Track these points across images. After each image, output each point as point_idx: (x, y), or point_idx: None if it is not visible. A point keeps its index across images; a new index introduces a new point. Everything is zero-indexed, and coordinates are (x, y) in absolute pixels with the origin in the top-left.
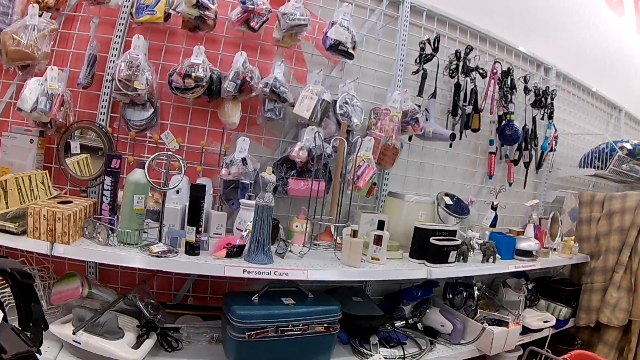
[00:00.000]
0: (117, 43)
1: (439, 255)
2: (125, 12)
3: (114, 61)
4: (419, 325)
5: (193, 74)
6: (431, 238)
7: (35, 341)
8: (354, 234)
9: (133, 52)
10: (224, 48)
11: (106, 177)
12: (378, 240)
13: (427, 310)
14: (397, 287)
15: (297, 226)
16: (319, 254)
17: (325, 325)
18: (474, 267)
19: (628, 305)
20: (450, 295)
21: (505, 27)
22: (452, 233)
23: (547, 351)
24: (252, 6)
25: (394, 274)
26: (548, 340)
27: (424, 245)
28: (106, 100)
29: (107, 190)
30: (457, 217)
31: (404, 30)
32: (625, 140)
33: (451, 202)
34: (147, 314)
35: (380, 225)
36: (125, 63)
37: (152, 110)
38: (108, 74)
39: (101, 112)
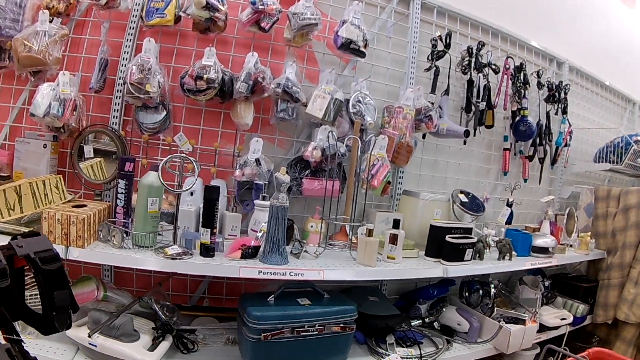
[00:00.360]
0: (128, 47)
1: (455, 254)
2: (136, 16)
3: (125, 65)
4: (436, 324)
5: (205, 76)
6: (447, 236)
7: (62, 327)
8: (369, 233)
9: (144, 55)
10: (235, 49)
11: (120, 181)
12: (394, 239)
13: (444, 309)
14: (413, 286)
15: (312, 226)
16: (334, 253)
17: (342, 325)
18: (490, 264)
19: None
20: (467, 294)
21: (516, 22)
22: (468, 231)
23: (565, 349)
24: (263, 7)
25: (410, 273)
26: (565, 338)
27: (439, 244)
28: (118, 104)
29: (121, 193)
30: (473, 214)
31: (415, 27)
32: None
33: (466, 200)
34: (163, 316)
35: (396, 224)
36: (136, 66)
37: (165, 112)
38: (120, 77)
39: (114, 116)
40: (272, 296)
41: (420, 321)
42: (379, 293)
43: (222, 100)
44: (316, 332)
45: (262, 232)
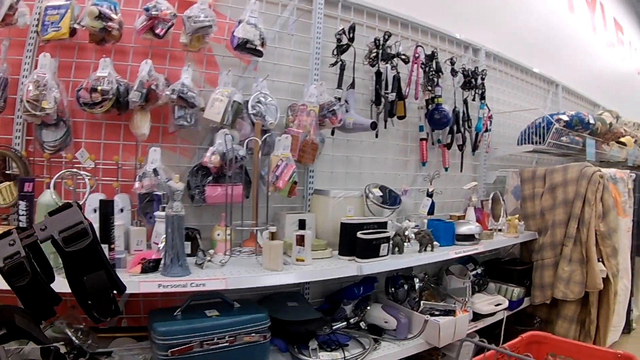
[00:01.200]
0: (27, 64)
1: (368, 250)
2: (34, 32)
3: (24, 82)
4: (362, 324)
5: (99, 88)
6: (358, 233)
7: (105, 314)
8: (272, 236)
9: (40, 71)
10: (134, 58)
11: (20, 202)
12: (301, 240)
13: (368, 308)
14: (339, 287)
15: (218, 234)
16: (241, 260)
17: (254, 334)
18: (410, 258)
19: (582, 278)
20: (393, 290)
21: (432, 13)
22: (383, 225)
23: (481, 341)
24: (156, 12)
25: (320, 274)
26: (504, 323)
27: (352, 241)
28: (20, 123)
29: (23, 215)
30: (388, 208)
31: (319, 23)
32: (562, 113)
33: (381, 194)
34: (76, 340)
35: (301, 224)
36: (32, 83)
37: (65, 129)
38: (20, 96)
39: (16, 136)
40: (178, 310)
41: (345, 322)
42: (300, 298)
43: (119, 111)
44: (227, 344)
45: (163, 244)
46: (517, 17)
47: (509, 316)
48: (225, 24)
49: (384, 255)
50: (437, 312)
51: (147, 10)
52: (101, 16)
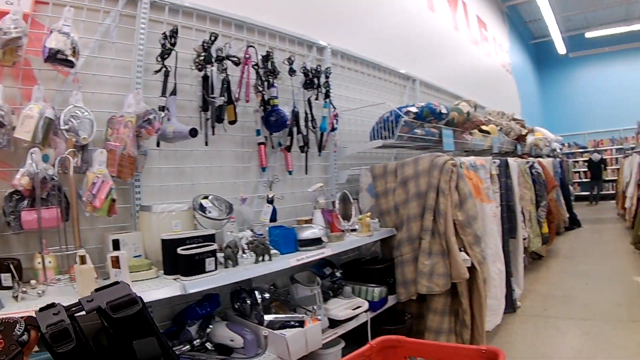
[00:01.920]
0: None
1: (192, 266)
2: None
3: None
4: (208, 345)
5: None
6: (179, 249)
7: None
8: (82, 260)
9: None
10: None
11: None
12: (116, 262)
13: (210, 327)
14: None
15: (38, 263)
16: (62, 289)
17: None
18: (243, 270)
19: (446, 269)
20: (238, 305)
21: (274, 13)
22: (210, 238)
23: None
24: None
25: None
26: (369, 325)
27: (175, 258)
28: None
29: None
30: (216, 219)
31: (142, 29)
32: (411, 105)
33: (210, 204)
34: None
35: (115, 245)
36: None
37: None
38: None
39: None
40: None
41: (188, 346)
42: None
43: None
44: None
45: None
46: (373, 16)
47: (380, 315)
48: (44, 35)
49: (212, 270)
50: (279, 325)
51: None
52: None
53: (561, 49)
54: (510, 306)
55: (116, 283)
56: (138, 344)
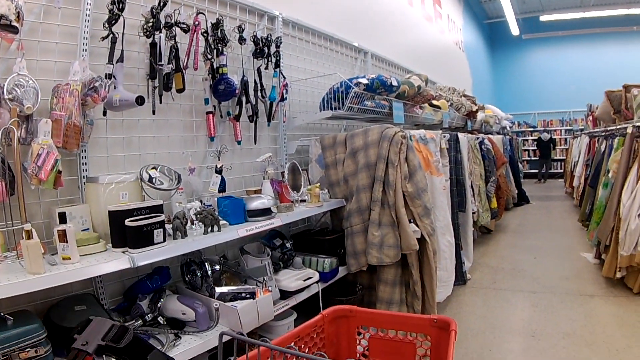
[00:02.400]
0: None
1: (140, 238)
2: None
3: None
4: (160, 319)
5: None
6: (126, 220)
7: None
8: (28, 235)
9: None
10: None
11: None
12: (62, 236)
13: (162, 301)
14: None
15: None
16: (11, 266)
17: (29, 349)
18: (192, 242)
19: (396, 240)
20: (188, 277)
21: None
22: (158, 209)
23: (240, 334)
24: None
25: (87, 272)
26: (320, 296)
27: (123, 230)
28: None
29: None
30: (164, 190)
31: None
32: (362, 76)
33: (157, 174)
34: None
35: (62, 218)
36: None
37: None
38: None
39: None
40: None
41: (140, 320)
42: (89, 300)
43: None
44: None
45: None
46: None
47: (331, 286)
48: None
49: (160, 242)
50: (230, 297)
51: None
52: None
53: (515, 30)
54: (460, 278)
55: (89, 321)
56: (153, 356)
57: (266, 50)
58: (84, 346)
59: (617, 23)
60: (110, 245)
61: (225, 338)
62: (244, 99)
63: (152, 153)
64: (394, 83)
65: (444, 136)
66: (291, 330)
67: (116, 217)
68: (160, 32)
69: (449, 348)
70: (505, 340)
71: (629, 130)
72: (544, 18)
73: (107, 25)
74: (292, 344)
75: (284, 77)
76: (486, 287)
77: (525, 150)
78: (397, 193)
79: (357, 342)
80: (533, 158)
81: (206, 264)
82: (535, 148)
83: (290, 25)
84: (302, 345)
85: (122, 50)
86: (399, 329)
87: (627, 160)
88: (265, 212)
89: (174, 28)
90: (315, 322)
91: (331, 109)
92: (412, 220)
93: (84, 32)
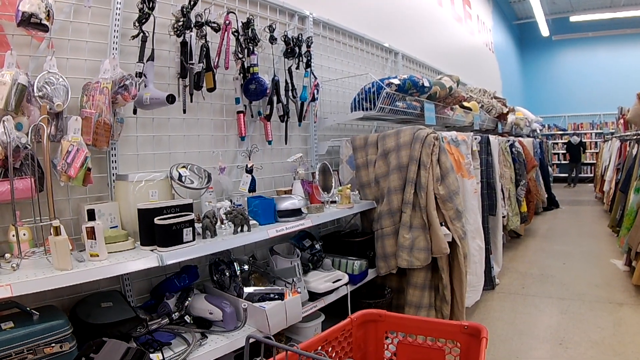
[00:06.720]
0: None
1: (169, 237)
2: None
3: None
4: (187, 318)
5: None
6: (156, 218)
7: None
8: (56, 231)
9: None
10: None
11: None
12: (91, 233)
13: (189, 300)
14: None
15: (13, 235)
16: (38, 262)
17: (54, 344)
18: (222, 241)
19: (427, 244)
20: (217, 277)
21: None
22: (187, 208)
23: (267, 337)
24: None
25: (114, 269)
26: (349, 299)
27: (151, 228)
28: None
29: None
30: (194, 189)
31: None
32: (393, 77)
33: (188, 173)
34: None
35: (90, 215)
36: None
37: None
38: None
39: None
40: None
41: (167, 319)
42: (116, 297)
43: None
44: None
45: None
46: None
47: (359, 289)
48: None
49: (189, 241)
50: (258, 298)
51: None
52: None
53: (545, 31)
54: (489, 283)
55: (102, 343)
56: None
57: (297, 50)
58: None
59: None
60: (138, 243)
61: (252, 340)
62: (275, 98)
63: (182, 152)
64: (426, 84)
65: (475, 138)
66: (319, 334)
67: (145, 215)
68: (191, 31)
69: (480, 356)
70: (533, 348)
71: None
72: (574, 19)
73: (137, 24)
74: (320, 348)
75: (315, 77)
76: (514, 293)
77: (555, 153)
78: (429, 195)
79: (385, 347)
80: (563, 162)
81: (235, 263)
82: (565, 151)
83: (320, 25)
84: (330, 350)
85: (153, 49)
86: (428, 335)
87: None
88: (296, 213)
89: (204, 27)
90: (344, 326)
91: (362, 109)
92: (443, 224)
93: (114, 30)
